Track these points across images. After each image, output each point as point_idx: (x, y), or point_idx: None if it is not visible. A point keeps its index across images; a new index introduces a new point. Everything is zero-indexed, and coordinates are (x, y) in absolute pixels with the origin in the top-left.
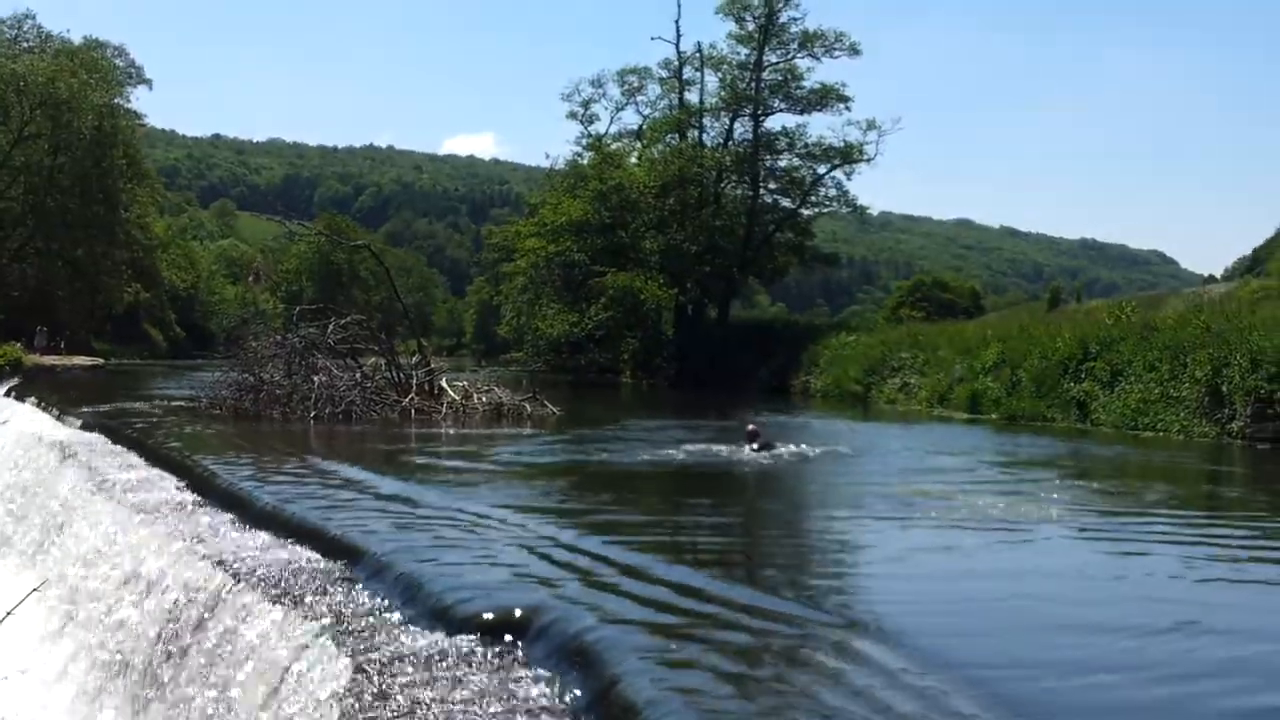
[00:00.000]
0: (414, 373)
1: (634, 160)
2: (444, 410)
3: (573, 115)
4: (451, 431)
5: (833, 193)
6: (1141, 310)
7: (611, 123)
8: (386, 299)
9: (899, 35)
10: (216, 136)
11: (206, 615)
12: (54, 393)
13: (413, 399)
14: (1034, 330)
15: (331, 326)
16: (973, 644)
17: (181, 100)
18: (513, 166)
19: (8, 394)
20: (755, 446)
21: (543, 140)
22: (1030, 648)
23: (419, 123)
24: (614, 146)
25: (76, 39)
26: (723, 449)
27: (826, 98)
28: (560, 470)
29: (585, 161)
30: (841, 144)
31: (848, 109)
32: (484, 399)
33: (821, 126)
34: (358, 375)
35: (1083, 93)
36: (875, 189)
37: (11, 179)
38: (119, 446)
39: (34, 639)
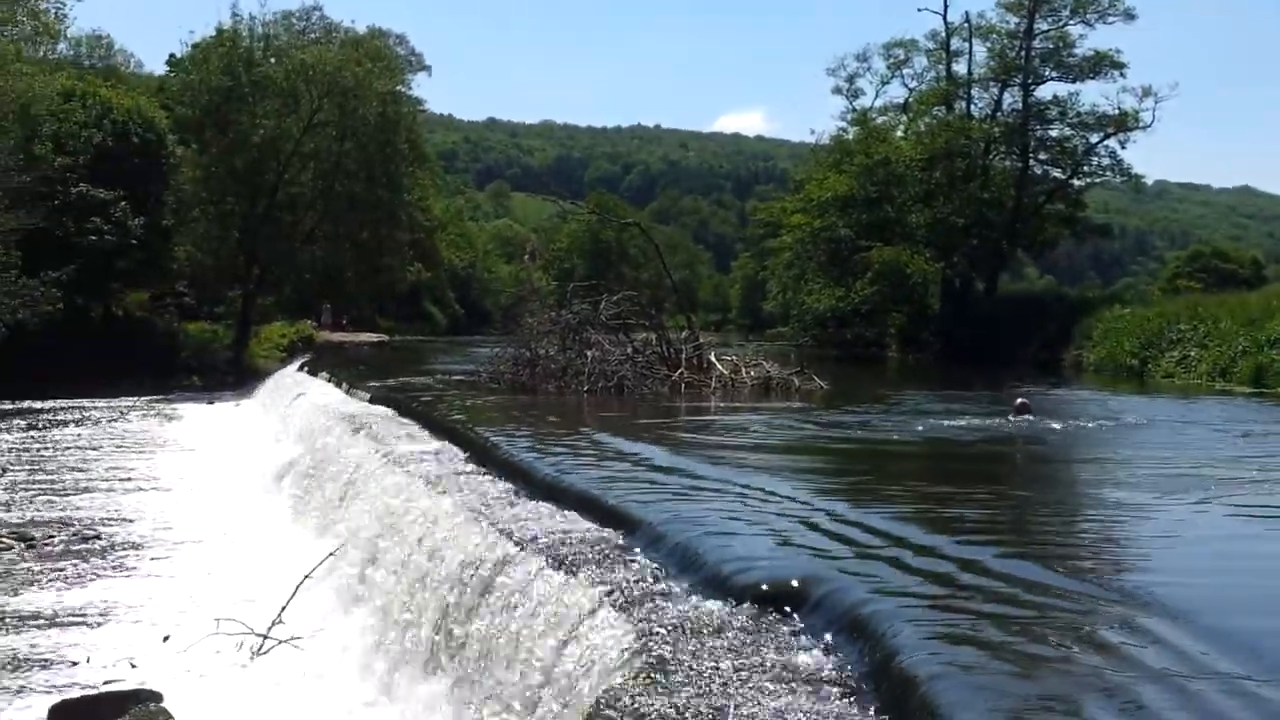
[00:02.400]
0: (683, 347)
1: (900, 134)
2: (713, 384)
3: (838, 90)
4: (720, 405)
5: (1106, 162)
6: None
7: (877, 96)
8: (654, 275)
9: None
10: (491, 120)
11: (491, 582)
12: (343, 368)
13: (682, 373)
14: None
15: (604, 303)
16: (1268, 627)
17: (458, 86)
18: (777, 143)
19: (301, 369)
20: (1025, 420)
21: (812, 117)
22: None
23: (690, 102)
24: (879, 120)
25: (360, 29)
26: (991, 422)
27: (1100, 65)
28: (828, 443)
29: (850, 136)
30: (1115, 112)
31: (1122, 75)
32: (752, 373)
33: (1094, 94)
34: (629, 350)
35: None
36: (1151, 157)
37: (302, 165)
38: (405, 419)
39: (329, 601)
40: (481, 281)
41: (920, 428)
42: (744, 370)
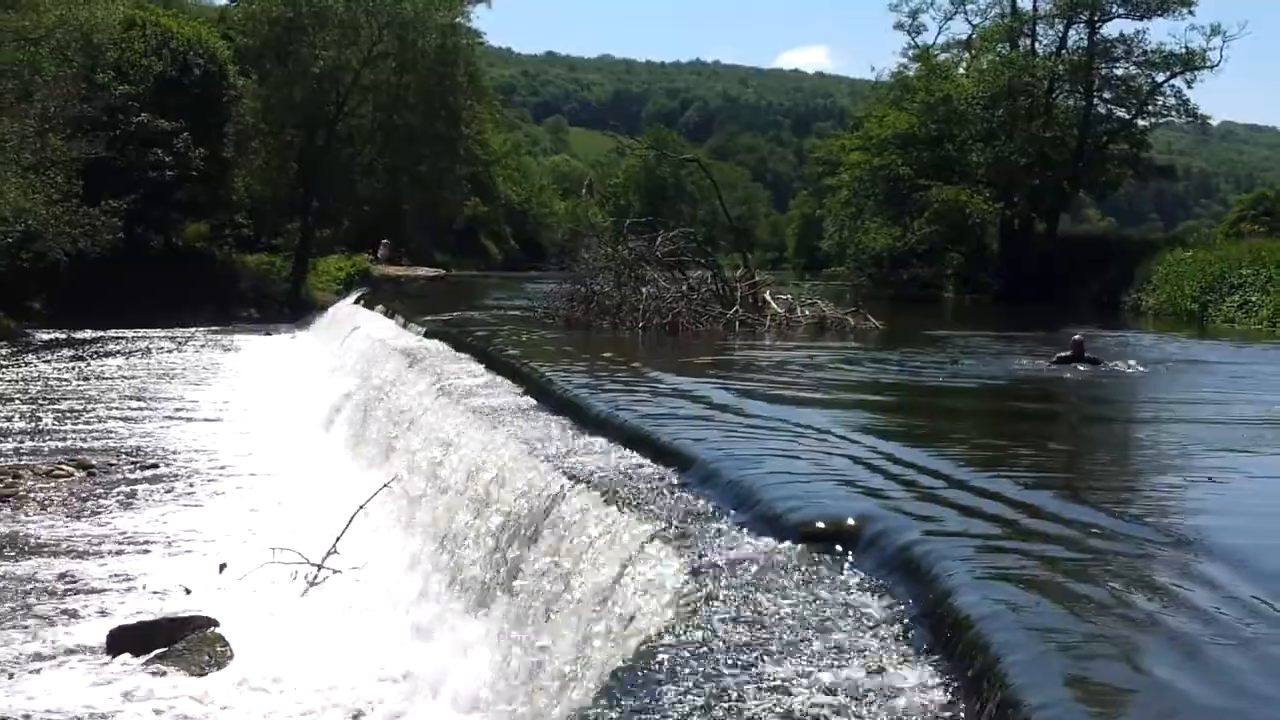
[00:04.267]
0: (738, 285)
1: (962, 71)
2: (767, 323)
3: (899, 26)
4: (775, 344)
5: (1171, 102)
6: None
7: (940, 33)
8: (710, 213)
9: None
10: (550, 54)
11: (545, 515)
12: (399, 301)
13: (737, 311)
14: None
15: (659, 239)
16: None
17: (517, 19)
18: (838, 80)
19: (357, 302)
20: (1082, 360)
21: (876, 54)
22: None
23: (752, 38)
24: (941, 57)
25: None
26: (1046, 364)
27: (1168, 1)
28: (883, 384)
29: (911, 73)
30: (1183, 50)
31: (1191, 13)
32: (807, 312)
33: (1161, 33)
34: (684, 287)
35: None
36: (1218, 98)
37: (361, 98)
38: (461, 354)
39: (383, 533)
40: (538, 217)
41: (976, 369)
42: (799, 309)
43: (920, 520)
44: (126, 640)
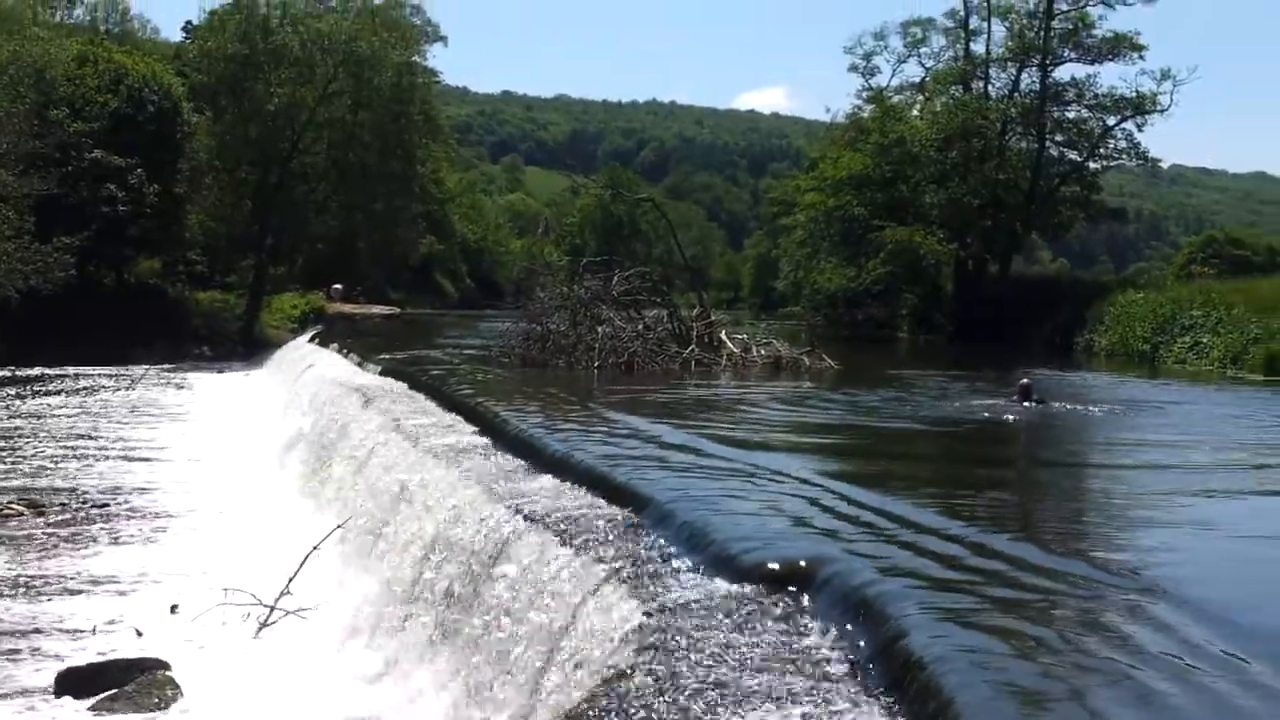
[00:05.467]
0: (694, 325)
1: (916, 113)
2: (723, 362)
3: (854, 68)
4: (730, 383)
5: (1122, 145)
6: None
7: (893, 75)
8: (666, 252)
9: None
10: (506, 93)
11: (499, 556)
12: (354, 340)
13: (693, 350)
14: None
15: (615, 279)
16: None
17: (474, 58)
18: (793, 120)
19: (311, 340)
20: (1029, 401)
21: (834, 95)
22: None
23: (710, 79)
24: (895, 99)
25: None
26: (997, 403)
27: (1119, 46)
28: (836, 424)
29: (866, 115)
30: (1133, 94)
31: (1141, 58)
32: (762, 352)
33: (1113, 76)
34: (640, 326)
35: None
36: (1168, 141)
37: (316, 135)
38: (416, 392)
39: (336, 574)
40: (494, 255)
41: (929, 410)
42: (754, 349)
43: (874, 561)
44: (75, 682)
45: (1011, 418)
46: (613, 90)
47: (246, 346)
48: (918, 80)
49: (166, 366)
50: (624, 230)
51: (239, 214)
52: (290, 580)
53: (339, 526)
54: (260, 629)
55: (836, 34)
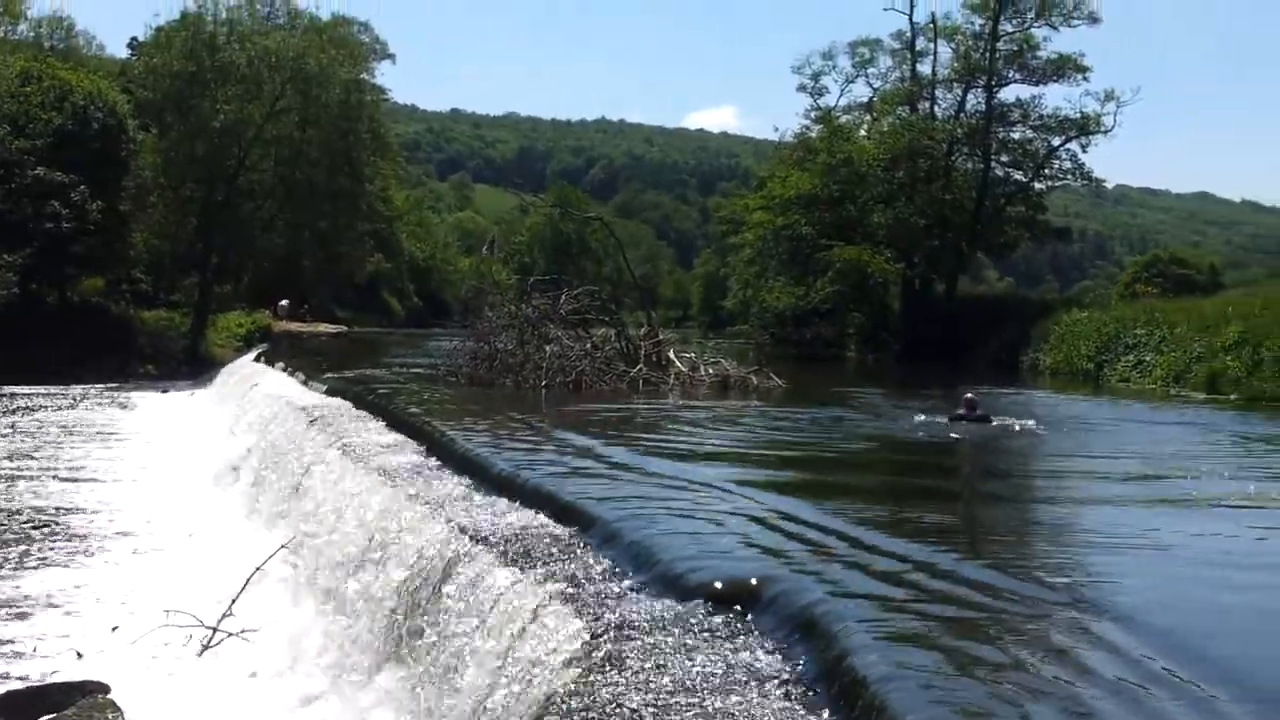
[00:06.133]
0: (642, 344)
1: (863, 133)
2: (671, 381)
3: (802, 88)
4: (678, 402)
5: (1067, 165)
6: None
7: (841, 95)
8: (615, 271)
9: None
10: (455, 111)
11: (445, 576)
12: (300, 358)
13: (641, 369)
14: (1278, 308)
15: (563, 298)
16: (1217, 632)
17: (422, 76)
18: (743, 139)
19: (257, 359)
20: (974, 418)
21: (784, 115)
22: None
23: (660, 98)
24: (843, 119)
25: (324, 15)
26: (942, 421)
27: (1063, 68)
28: (784, 442)
29: (814, 134)
30: (1078, 115)
31: (1085, 79)
32: (710, 371)
33: (1058, 98)
34: (588, 345)
35: None
36: (1112, 161)
37: (263, 152)
38: (362, 411)
39: (280, 594)
40: (441, 273)
41: (876, 428)
42: (702, 368)
43: (820, 580)
44: (13, 706)
45: (956, 435)
46: (562, 109)
47: (191, 365)
48: (865, 100)
49: (110, 386)
50: (573, 249)
51: (184, 231)
52: (233, 601)
53: (283, 547)
54: (203, 650)
55: (786, 54)
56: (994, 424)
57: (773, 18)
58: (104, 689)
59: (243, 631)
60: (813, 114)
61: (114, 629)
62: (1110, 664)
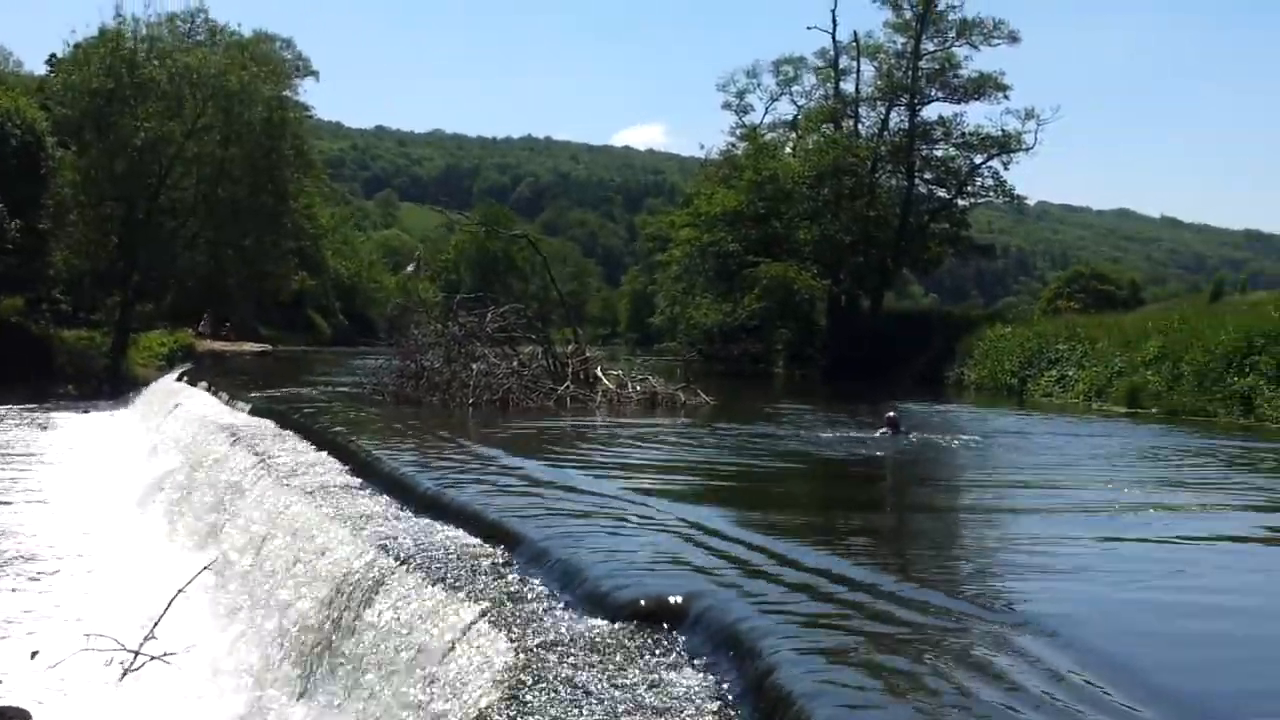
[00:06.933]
0: (569, 361)
1: (788, 150)
2: (599, 399)
3: (728, 106)
4: (606, 420)
5: (989, 183)
6: None
7: (766, 113)
8: (542, 288)
9: (1058, 21)
10: (380, 128)
11: (369, 597)
12: (223, 378)
13: (568, 387)
14: (1196, 323)
15: (490, 315)
16: (1139, 643)
17: (347, 93)
18: (669, 156)
19: (180, 378)
20: (897, 434)
21: (710, 132)
22: (1199, 647)
23: (588, 116)
24: (768, 137)
25: (246, 32)
26: (867, 436)
27: (984, 86)
28: (712, 459)
29: (740, 152)
30: (999, 133)
31: (1006, 98)
32: (638, 388)
33: (979, 116)
34: (515, 363)
35: (1247, 78)
36: (1033, 179)
37: (185, 170)
38: (287, 431)
39: (202, 617)
40: (367, 292)
41: (802, 444)
42: (630, 385)
43: (746, 597)
44: None
45: (881, 451)
46: (488, 126)
47: (113, 385)
48: (790, 118)
49: (30, 406)
50: (499, 266)
51: (105, 250)
52: (155, 624)
53: (206, 568)
54: (124, 674)
55: (713, 72)
56: (916, 438)
57: (699, 35)
58: (24, 714)
59: (165, 655)
60: (738, 131)
61: (34, 654)
62: (1030, 674)
